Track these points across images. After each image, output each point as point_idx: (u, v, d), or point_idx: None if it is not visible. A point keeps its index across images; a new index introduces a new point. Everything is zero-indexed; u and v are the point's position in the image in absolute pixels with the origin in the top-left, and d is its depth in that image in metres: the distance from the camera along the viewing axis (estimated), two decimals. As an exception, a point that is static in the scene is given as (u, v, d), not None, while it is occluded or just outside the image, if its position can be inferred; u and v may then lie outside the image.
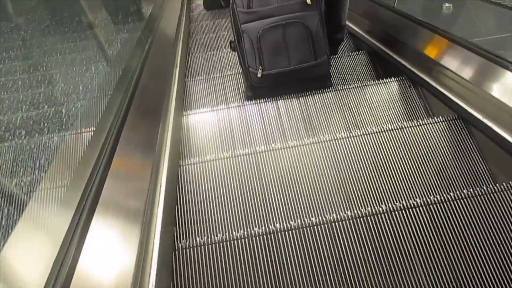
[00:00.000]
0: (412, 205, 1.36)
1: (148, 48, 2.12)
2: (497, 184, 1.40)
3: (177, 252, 1.28)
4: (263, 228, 1.33)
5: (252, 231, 1.32)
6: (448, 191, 1.56)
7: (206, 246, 1.29)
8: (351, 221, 1.34)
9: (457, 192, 1.39)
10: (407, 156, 1.69)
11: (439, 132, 1.78)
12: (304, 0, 2.05)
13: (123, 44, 1.99)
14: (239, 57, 2.18)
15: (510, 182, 1.38)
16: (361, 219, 1.34)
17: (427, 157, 1.68)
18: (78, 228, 0.88)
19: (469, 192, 1.38)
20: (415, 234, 1.30)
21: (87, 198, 0.97)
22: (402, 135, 1.78)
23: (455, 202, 1.36)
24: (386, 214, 1.34)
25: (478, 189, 1.39)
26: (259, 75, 2.08)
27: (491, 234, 1.29)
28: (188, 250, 1.28)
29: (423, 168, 1.65)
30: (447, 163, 1.66)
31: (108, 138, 1.26)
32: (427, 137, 1.76)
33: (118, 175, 1.15)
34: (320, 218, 1.34)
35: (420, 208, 1.36)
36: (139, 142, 1.43)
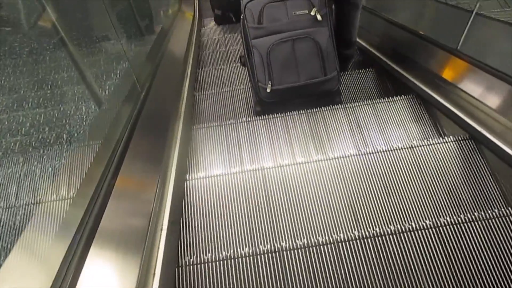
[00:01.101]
0: (421, 227, 1.34)
1: (159, 61, 2.13)
2: (509, 208, 1.37)
3: (180, 268, 1.26)
4: (269, 246, 1.31)
5: (258, 249, 1.30)
6: (458, 213, 1.53)
7: (210, 264, 1.27)
8: (358, 241, 1.31)
9: (468, 215, 1.36)
10: (417, 176, 1.66)
11: (450, 152, 1.75)
12: (314, 16, 2.05)
13: (134, 57, 1.98)
14: (249, 72, 2.18)
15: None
16: (369, 239, 1.31)
17: (437, 177, 1.65)
18: (77, 254, 0.86)
19: (480, 215, 1.35)
20: (424, 256, 1.27)
21: (89, 215, 0.95)
22: (412, 154, 1.75)
23: (465, 224, 1.33)
24: (394, 235, 1.32)
25: (489, 212, 1.35)
26: (268, 90, 2.08)
27: (502, 258, 1.25)
28: (192, 266, 1.26)
29: (433, 188, 1.61)
30: (458, 184, 1.62)
31: (114, 151, 1.26)
32: (438, 157, 1.73)
33: (122, 194, 1.15)
34: (326, 237, 1.32)
35: (430, 230, 1.33)
36: (145, 157, 1.42)
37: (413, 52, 2.30)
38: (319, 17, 2.05)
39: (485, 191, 1.60)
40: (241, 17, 2.11)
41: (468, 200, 1.57)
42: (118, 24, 1.80)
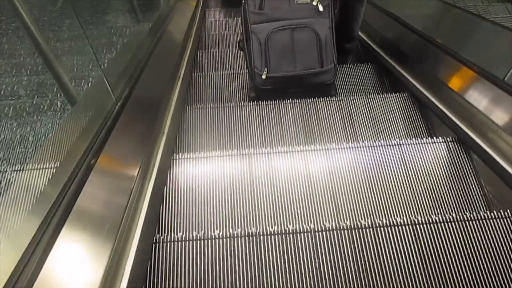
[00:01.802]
0: (398, 223, 1.35)
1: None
2: (490, 211, 1.38)
3: (157, 244, 1.28)
4: (247, 229, 1.33)
5: (236, 232, 1.32)
6: (437, 212, 1.55)
7: (185, 242, 1.29)
8: (335, 232, 1.33)
9: (446, 215, 1.37)
10: (402, 174, 1.67)
11: (437, 152, 1.76)
12: (316, 6, 2.04)
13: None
14: (246, 57, 2.18)
15: (506, 212, 1.36)
16: (346, 231, 1.33)
17: (422, 176, 1.66)
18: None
19: (458, 216, 1.36)
20: (397, 251, 1.28)
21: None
22: (400, 151, 1.76)
23: (442, 224, 1.35)
24: (371, 229, 1.33)
25: (467, 213, 1.37)
26: (263, 77, 2.08)
27: (477, 261, 1.27)
28: (167, 244, 1.28)
29: (417, 187, 1.63)
30: (442, 184, 1.64)
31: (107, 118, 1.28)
32: (425, 157, 1.74)
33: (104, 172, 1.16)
34: (305, 225, 1.34)
35: (406, 226, 1.34)
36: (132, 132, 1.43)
37: (411, 51, 2.29)
38: (320, 7, 2.04)
39: (467, 193, 1.62)
40: (243, 1, 2.10)
41: (450, 201, 1.59)
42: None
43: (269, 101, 2.16)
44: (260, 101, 2.16)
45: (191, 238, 1.30)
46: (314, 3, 2.03)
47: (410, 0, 2.69)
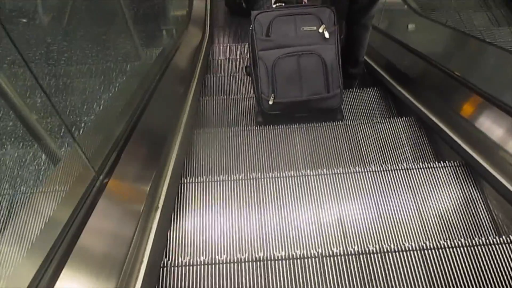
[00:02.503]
0: (407, 248, 1.34)
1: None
2: (499, 237, 1.37)
3: (164, 268, 1.29)
4: (255, 254, 1.33)
5: (243, 257, 1.32)
6: (446, 237, 1.53)
7: (193, 267, 1.29)
8: (343, 257, 1.32)
9: (455, 240, 1.36)
10: (409, 198, 1.67)
11: (444, 177, 1.76)
12: (322, 33, 2.08)
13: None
14: (253, 82, 2.21)
15: None
16: (353, 256, 1.32)
17: (430, 201, 1.66)
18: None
19: (467, 241, 1.36)
20: (406, 277, 1.27)
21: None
22: (407, 176, 1.76)
23: (451, 249, 1.34)
24: (378, 254, 1.32)
25: (476, 239, 1.36)
26: (270, 103, 2.11)
27: (487, 287, 1.25)
28: (175, 268, 1.29)
29: (425, 212, 1.62)
30: (450, 209, 1.63)
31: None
32: (432, 181, 1.74)
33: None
34: (312, 251, 1.33)
35: (414, 252, 1.34)
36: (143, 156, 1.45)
37: (416, 74, 2.32)
38: (326, 34, 2.08)
39: (476, 218, 1.61)
40: (250, 28, 2.15)
41: (458, 226, 1.58)
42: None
43: (276, 125, 2.18)
44: (267, 126, 2.18)
45: (198, 263, 1.31)
46: (320, 30, 2.07)
47: (416, 25, 2.74)
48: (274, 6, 2.23)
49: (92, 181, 1.06)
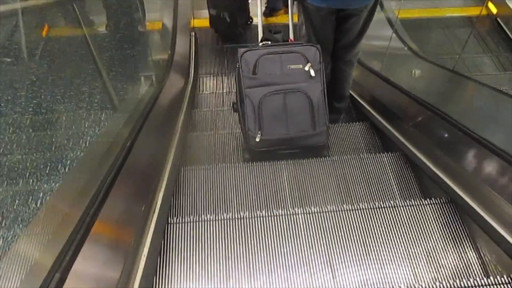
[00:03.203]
0: (396, 291, 1.33)
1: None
2: (487, 277, 1.37)
3: None
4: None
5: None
6: (435, 278, 1.53)
7: None
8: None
9: (444, 282, 1.36)
10: (397, 236, 1.67)
11: (431, 214, 1.76)
12: (308, 71, 2.12)
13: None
14: (240, 119, 2.23)
15: (503, 277, 1.35)
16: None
17: (417, 239, 1.66)
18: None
19: (455, 283, 1.35)
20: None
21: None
22: (394, 213, 1.77)
23: (441, 292, 1.33)
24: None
25: (464, 280, 1.35)
26: (257, 140, 2.12)
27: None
28: None
29: (412, 250, 1.62)
30: (437, 248, 1.63)
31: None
32: (419, 218, 1.75)
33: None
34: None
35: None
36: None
37: (402, 112, 2.36)
38: (312, 72, 2.11)
39: (463, 257, 1.61)
40: (237, 65, 2.18)
41: (446, 265, 1.58)
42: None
43: (263, 162, 2.19)
44: (254, 162, 2.18)
45: None
46: (306, 68, 2.11)
47: (402, 64, 2.81)
48: (260, 44, 2.26)
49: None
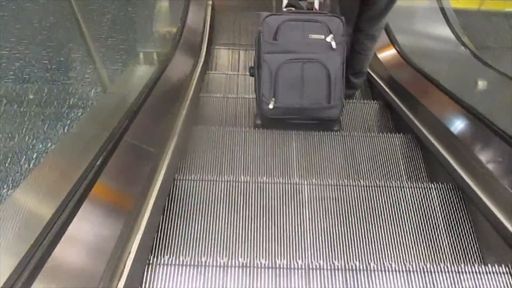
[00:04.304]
0: (392, 269, 1.34)
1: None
2: (485, 265, 1.38)
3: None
4: (241, 260, 1.32)
5: (229, 262, 1.32)
6: (431, 261, 1.54)
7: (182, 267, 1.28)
8: (328, 271, 1.32)
9: (441, 264, 1.37)
10: (399, 216, 1.68)
11: (436, 198, 1.76)
12: (330, 43, 2.08)
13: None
14: (255, 84, 2.20)
15: (501, 267, 1.36)
16: (339, 271, 1.32)
17: (419, 221, 1.67)
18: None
19: (452, 267, 1.36)
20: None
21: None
22: (398, 194, 1.77)
23: (437, 274, 1.34)
24: (361, 272, 1.32)
25: (462, 265, 1.36)
26: (270, 106, 2.10)
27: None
28: (164, 267, 1.28)
29: (413, 232, 1.63)
30: (438, 231, 1.64)
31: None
32: (423, 201, 1.75)
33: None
34: (299, 262, 1.33)
35: (400, 273, 1.34)
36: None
37: (417, 92, 2.32)
38: (334, 44, 2.07)
39: (463, 244, 1.61)
40: (258, 29, 2.14)
41: (446, 249, 1.59)
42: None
43: (274, 130, 2.18)
44: (265, 129, 2.18)
45: (182, 263, 1.30)
46: (328, 39, 2.07)
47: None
48: (284, 9, 2.21)
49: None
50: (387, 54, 2.87)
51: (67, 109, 1.19)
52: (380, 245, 1.58)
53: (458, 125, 1.90)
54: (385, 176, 2.04)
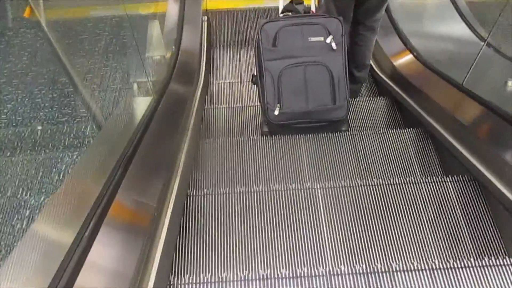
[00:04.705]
0: (415, 268, 1.32)
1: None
2: (510, 257, 1.35)
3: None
4: (262, 272, 1.31)
5: (248, 274, 1.30)
6: (455, 257, 1.51)
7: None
8: (350, 276, 1.30)
9: (465, 260, 1.34)
10: (417, 213, 1.65)
11: (453, 192, 1.73)
12: (329, 44, 2.07)
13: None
14: (259, 92, 2.20)
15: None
16: (361, 275, 1.30)
17: (438, 217, 1.64)
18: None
19: (476, 262, 1.33)
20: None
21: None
22: (414, 189, 1.74)
23: (461, 270, 1.31)
24: (387, 273, 1.30)
25: (486, 259, 1.33)
26: (276, 113, 2.09)
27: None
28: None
29: (433, 228, 1.60)
30: (458, 226, 1.61)
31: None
32: (440, 196, 1.72)
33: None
34: (319, 269, 1.32)
35: (423, 271, 1.31)
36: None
37: (425, 86, 2.29)
38: (334, 45, 2.06)
39: (485, 237, 1.58)
40: (257, 38, 2.14)
41: (467, 244, 1.56)
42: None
43: (281, 136, 2.17)
44: (273, 136, 2.17)
45: (202, 281, 1.29)
46: (328, 41, 2.06)
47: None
48: (281, 15, 2.21)
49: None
50: (395, 48, 2.83)
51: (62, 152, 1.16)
52: (400, 244, 1.55)
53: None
54: (399, 173, 2.01)
